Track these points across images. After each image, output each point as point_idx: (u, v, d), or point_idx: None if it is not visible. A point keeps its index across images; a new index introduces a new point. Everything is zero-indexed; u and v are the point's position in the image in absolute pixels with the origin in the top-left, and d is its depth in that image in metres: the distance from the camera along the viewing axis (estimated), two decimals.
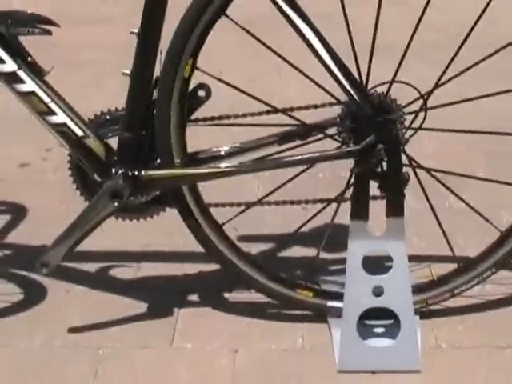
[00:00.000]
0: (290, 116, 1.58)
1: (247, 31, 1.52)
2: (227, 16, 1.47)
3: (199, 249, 1.70)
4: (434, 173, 1.64)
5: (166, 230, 2.03)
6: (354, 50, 1.52)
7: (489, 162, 2.44)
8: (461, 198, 1.68)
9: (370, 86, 1.53)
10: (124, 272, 1.97)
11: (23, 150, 2.73)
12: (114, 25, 4.82)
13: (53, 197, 2.40)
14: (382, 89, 1.53)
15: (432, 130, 1.58)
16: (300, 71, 1.57)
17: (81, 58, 3.82)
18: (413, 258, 1.67)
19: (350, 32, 1.51)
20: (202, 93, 1.55)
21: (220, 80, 1.56)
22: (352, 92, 1.48)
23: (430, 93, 1.55)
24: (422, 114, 1.55)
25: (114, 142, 1.62)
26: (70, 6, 5.45)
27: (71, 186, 1.66)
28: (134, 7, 5.32)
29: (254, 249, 1.97)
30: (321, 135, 1.58)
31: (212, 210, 1.64)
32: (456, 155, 2.45)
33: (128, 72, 1.52)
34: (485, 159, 2.46)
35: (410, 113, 1.55)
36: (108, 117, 1.60)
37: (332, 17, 1.77)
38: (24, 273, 1.97)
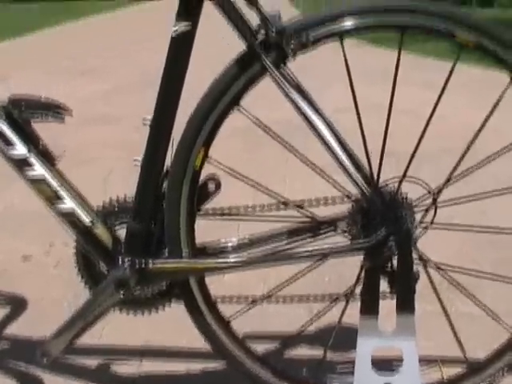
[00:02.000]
0: (300, 210, 1.57)
1: (258, 124, 1.51)
2: (239, 109, 1.47)
3: (203, 345, 1.66)
4: (448, 272, 1.61)
5: (170, 325, 2.01)
6: (365, 144, 1.52)
7: (497, 258, 2.44)
8: (474, 297, 1.65)
9: (381, 182, 1.52)
10: (126, 368, 1.93)
11: (27, 243, 2.75)
12: (121, 125, 4.93)
13: (53, 290, 2.39)
14: (393, 185, 1.52)
15: (443, 227, 1.56)
16: (310, 164, 1.56)
17: (87, 155, 3.89)
18: (421, 359, 1.63)
19: (361, 127, 1.51)
20: (211, 185, 1.53)
21: (231, 172, 1.55)
22: (363, 187, 1.47)
23: (440, 190, 1.54)
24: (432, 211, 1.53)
25: (121, 230, 1.61)
26: (77, 105, 5.58)
27: (72, 280, 1.64)
28: (139, 109, 5.47)
29: (260, 347, 1.93)
30: (331, 230, 1.56)
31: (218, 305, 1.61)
32: (463, 250, 2.44)
33: (139, 159, 1.51)
34: (493, 255, 2.45)
35: (421, 209, 1.54)
36: (117, 206, 1.58)
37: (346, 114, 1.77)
38: (23, 366, 1.93)
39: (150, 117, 1.50)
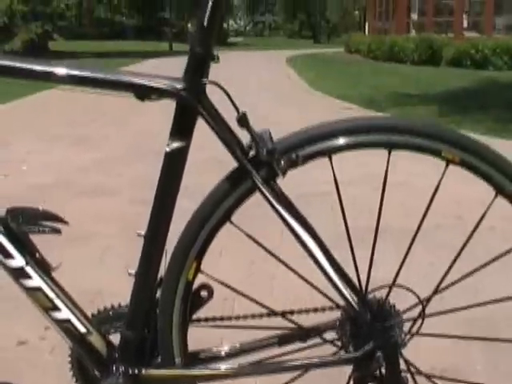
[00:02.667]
0: (289, 319, 1.61)
1: (249, 236, 1.57)
2: (232, 222, 1.52)
3: None
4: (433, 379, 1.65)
5: None
6: (352, 251, 1.56)
7: (486, 355, 2.45)
8: None
9: (369, 289, 1.55)
10: None
11: (22, 327, 2.76)
12: (117, 197, 4.97)
13: (49, 378, 2.40)
14: (381, 293, 1.56)
15: (431, 335, 1.60)
16: (298, 274, 1.60)
17: (84, 229, 3.92)
18: None
19: (348, 234, 1.56)
20: (204, 293, 1.58)
21: (223, 284, 1.59)
22: (350, 298, 1.51)
23: (428, 299, 1.58)
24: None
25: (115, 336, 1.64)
26: (74, 175, 5.64)
27: (67, 367, 1.66)
28: (136, 180, 5.55)
29: None
30: (319, 339, 1.59)
31: None
32: (453, 348, 2.46)
33: (133, 272, 1.56)
34: (482, 353, 2.46)
35: (409, 319, 1.57)
36: (111, 313, 1.62)
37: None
38: None
39: (143, 232, 1.55)
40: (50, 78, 1.49)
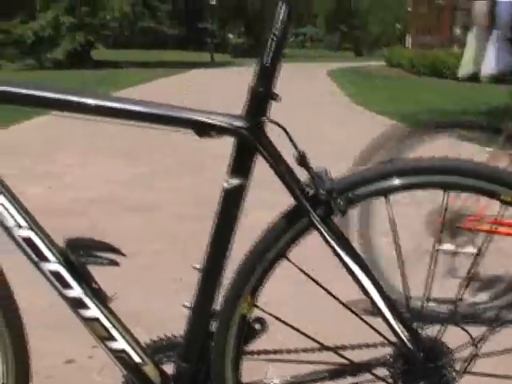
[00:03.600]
0: (340, 354, 1.62)
1: (304, 272, 1.59)
2: (288, 259, 1.54)
3: None
4: None
5: None
6: (405, 288, 1.57)
7: None
8: None
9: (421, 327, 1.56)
10: None
11: (70, 345, 2.78)
12: (162, 213, 5.01)
13: None
14: (433, 330, 1.56)
15: (484, 375, 1.60)
16: (350, 310, 1.62)
17: (130, 247, 3.95)
18: None
19: (403, 271, 1.57)
20: (258, 326, 1.60)
21: (277, 318, 1.61)
22: (402, 335, 1.52)
23: (481, 338, 1.58)
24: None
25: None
26: (119, 191, 5.70)
27: None
28: (179, 194, 5.57)
29: None
30: (371, 375, 1.60)
31: None
32: None
33: (188, 305, 1.58)
34: None
35: (461, 359, 1.57)
36: (165, 343, 1.64)
37: None
38: None
39: (198, 265, 1.57)
40: (105, 113, 1.52)
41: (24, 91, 1.53)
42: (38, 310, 2.95)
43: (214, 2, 45.63)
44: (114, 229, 4.49)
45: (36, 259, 1.56)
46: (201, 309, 1.58)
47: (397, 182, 1.49)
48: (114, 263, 1.58)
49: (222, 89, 18.88)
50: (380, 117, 11.47)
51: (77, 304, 1.58)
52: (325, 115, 11.26)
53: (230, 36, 58.07)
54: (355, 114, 12.37)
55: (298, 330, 1.63)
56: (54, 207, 4.77)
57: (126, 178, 6.24)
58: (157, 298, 3.29)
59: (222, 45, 51.74)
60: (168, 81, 22.15)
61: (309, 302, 3.15)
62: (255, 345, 1.62)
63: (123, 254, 1.59)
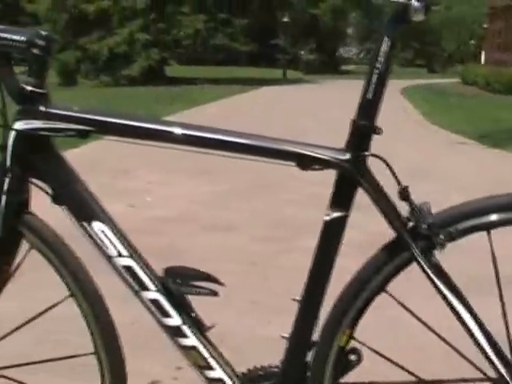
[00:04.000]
0: None
1: (403, 306, 1.58)
2: (387, 292, 1.53)
3: None
4: None
5: None
6: (507, 326, 1.55)
7: None
8: None
9: None
10: None
11: (153, 366, 2.80)
12: (239, 233, 5.03)
13: None
14: None
15: None
16: (449, 345, 1.60)
17: (207, 267, 3.96)
18: None
19: (504, 308, 1.54)
20: (354, 357, 1.59)
21: (376, 352, 1.60)
22: (503, 371, 1.50)
23: None
24: None
25: None
26: (198, 209, 5.74)
27: None
28: (257, 215, 5.58)
29: None
30: None
31: None
32: None
33: (286, 335, 1.58)
34: None
35: None
36: (261, 372, 1.64)
37: None
38: None
39: (298, 297, 1.57)
40: (206, 146, 1.54)
41: (121, 121, 1.56)
42: (121, 327, 2.98)
43: (286, 19, 45.83)
44: (193, 248, 4.53)
45: (136, 288, 1.58)
46: (299, 339, 1.58)
47: (497, 217, 1.47)
48: (213, 293, 1.59)
49: (295, 105, 18.94)
50: (455, 136, 11.37)
51: (175, 332, 1.60)
52: (399, 134, 11.17)
53: (302, 53, 58.23)
54: (430, 132, 12.27)
55: (396, 364, 1.62)
56: (134, 226, 4.83)
57: (205, 196, 6.30)
58: (236, 320, 3.30)
59: (293, 61, 51.89)
60: (242, 97, 22.31)
61: (402, 332, 3.12)
62: (349, 376, 1.62)
63: (221, 284, 1.60)
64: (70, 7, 32.82)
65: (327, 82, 35.62)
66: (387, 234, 1.52)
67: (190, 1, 34.34)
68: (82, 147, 8.52)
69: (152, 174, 7.30)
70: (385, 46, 1.46)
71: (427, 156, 9.10)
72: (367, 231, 4.16)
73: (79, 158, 7.63)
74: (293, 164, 1.50)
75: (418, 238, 1.47)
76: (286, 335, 1.59)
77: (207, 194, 6.40)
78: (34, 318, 1.70)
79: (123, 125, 1.55)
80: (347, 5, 53.13)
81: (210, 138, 1.54)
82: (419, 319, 1.58)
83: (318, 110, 16.74)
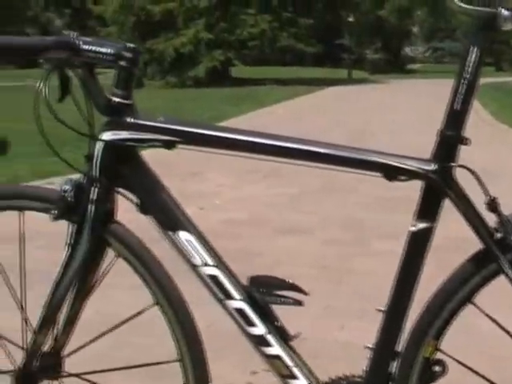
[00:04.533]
0: None
1: (492, 319, 1.56)
2: (474, 304, 1.52)
3: None
4: None
5: None
6: None
7: None
8: None
9: None
10: None
11: (228, 370, 2.81)
12: (310, 236, 5.02)
13: None
14: None
15: None
16: None
17: (279, 271, 3.96)
18: None
19: None
20: (438, 368, 1.58)
21: (462, 364, 1.59)
22: None
23: None
24: None
25: None
26: (269, 212, 5.76)
27: None
28: (328, 217, 5.55)
29: None
30: None
31: None
32: None
33: (370, 345, 1.58)
34: None
35: None
36: (345, 382, 1.64)
37: None
38: None
39: (382, 308, 1.57)
40: (290, 156, 1.54)
41: (208, 132, 1.58)
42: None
43: (351, 19, 45.58)
44: (265, 252, 4.54)
45: (221, 296, 1.59)
46: (383, 349, 1.57)
47: None
48: (298, 303, 1.59)
49: (362, 106, 18.84)
50: None
51: (260, 342, 1.60)
52: (467, 134, 11.00)
53: (367, 52, 57.83)
54: (499, 132, 12.08)
55: (482, 377, 1.60)
56: (205, 229, 4.84)
57: (275, 199, 6.30)
58: (310, 325, 3.30)
59: (358, 61, 51.53)
60: (308, 98, 22.26)
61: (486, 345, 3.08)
62: None
63: (305, 293, 1.60)
64: (137, 9, 33.18)
65: (393, 81, 35.27)
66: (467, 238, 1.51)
67: (254, 0, 34.40)
68: (149, 150, 8.61)
69: (221, 177, 7.32)
70: (472, 56, 1.44)
71: (497, 157, 8.96)
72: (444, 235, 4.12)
73: (147, 160, 7.65)
74: (378, 175, 1.50)
75: (506, 249, 1.45)
76: (370, 345, 1.59)
77: (278, 196, 6.40)
78: (118, 325, 1.73)
79: (210, 135, 1.57)
80: (413, 3, 52.60)
81: (296, 149, 1.54)
82: (507, 331, 1.56)
83: (385, 112, 16.60)
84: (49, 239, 3.70)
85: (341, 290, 3.79)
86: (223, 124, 13.08)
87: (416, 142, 5.55)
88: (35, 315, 1.72)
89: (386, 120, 14.40)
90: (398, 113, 16.00)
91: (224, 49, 32.53)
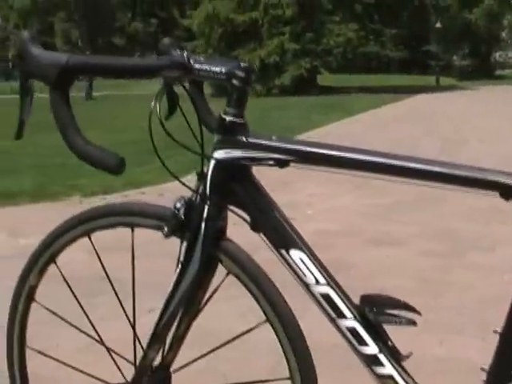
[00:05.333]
0: None
1: None
2: None
3: None
4: None
5: None
6: None
7: None
8: None
9: None
10: None
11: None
12: (405, 247, 4.97)
13: None
14: None
15: None
16: None
17: (375, 284, 3.94)
18: None
19: None
20: None
21: None
22: None
23: None
24: None
25: None
26: (362, 223, 5.72)
27: None
28: (423, 228, 5.47)
29: None
30: None
31: None
32: None
33: (485, 367, 1.55)
34: None
35: None
36: None
37: None
38: None
39: (498, 329, 1.54)
40: (407, 175, 1.52)
41: (322, 151, 1.57)
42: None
43: (439, 25, 45.06)
44: (359, 263, 4.51)
45: (333, 315, 1.58)
46: (499, 372, 1.54)
47: None
48: (411, 322, 1.58)
49: (452, 114, 18.57)
50: None
51: (372, 361, 1.59)
52: None
53: (455, 58, 57.08)
54: None
55: None
56: None
57: (368, 209, 6.26)
58: (410, 340, 3.25)
59: (446, 67, 50.91)
60: (396, 106, 22.09)
61: None
62: None
63: (418, 313, 1.58)
64: (223, 20, 33.53)
65: (482, 88, 34.73)
66: None
67: (340, 10, 34.36)
68: None
69: (312, 187, 7.31)
70: None
71: None
72: None
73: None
74: (495, 194, 1.46)
75: None
76: (485, 367, 1.55)
77: (370, 206, 6.36)
78: (230, 341, 1.73)
79: (323, 154, 1.56)
80: (503, 7, 51.65)
81: (410, 168, 1.51)
82: None
83: (476, 120, 16.35)
84: (144, 249, 3.75)
85: (439, 304, 3.73)
86: (312, 132, 13.12)
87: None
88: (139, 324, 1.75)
89: (477, 128, 14.19)
90: (489, 121, 15.74)
91: (310, 57, 32.58)
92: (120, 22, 61.36)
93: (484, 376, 1.56)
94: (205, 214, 1.62)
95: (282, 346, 1.65)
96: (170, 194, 6.92)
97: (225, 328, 2.57)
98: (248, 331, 1.70)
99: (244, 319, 3.23)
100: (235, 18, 33.16)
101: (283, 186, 7.33)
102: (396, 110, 20.47)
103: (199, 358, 1.78)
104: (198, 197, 1.63)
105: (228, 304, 3.14)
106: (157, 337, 1.70)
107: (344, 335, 1.59)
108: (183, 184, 1.65)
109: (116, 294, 1.80)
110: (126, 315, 1.80)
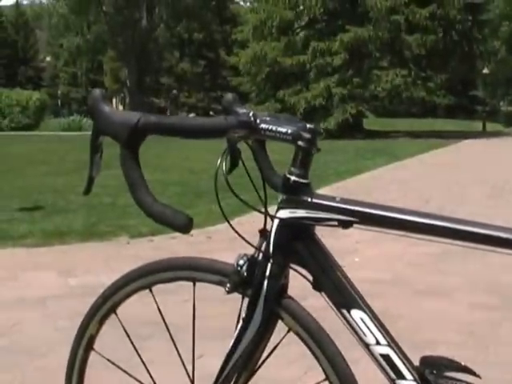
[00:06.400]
0: None
1: None
2: None
3: None
4: None
5: None
6: None
7: None
8: None
9: None
10: None
11: None
12: (454, 298, 4.93)
13: None
14: None
15: None
16: None
17: (423, 337, 3.90)
18: None
19: None
20: None
21: None
22: None
23: None
24: None
25: None
26: (409, 272, 5.69)
27: None
28: (473, 279, 5.42)
29: None
30: None
31: None
32: None
33: None
34: None
35: None
36: None
37: None
38: None
39: None
40: (474, 240, 1.52)
41: (387, 214, 1.59)
42: None
43: (486, 70, 44.91)
44: (407, 315, 4.49)
45: (393, 376, 1.59)
46: None
47: None
48: None
49: (497, 160, 18.45)
50: None
51: None
52: None
53: (501, 104, 56.74)
54: None
55: None
56: None
57: (416, 258, 6.21)
58: None
59: (492, 113, 50.62)
60: (443, 152, 21.99)
61: None
62: None
63: (478, 376, 1.58)
64: (270, 61, 33.81)
65: None
66: None
67: (389, 54, 34.45)
68: None
69: (359, 233, 7.26)
70: None
71: None
72: None
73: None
74: None
75: None
76: None
77: (418, 255, 6.31)
78: None
79: (387, 217, 1.58)
80: None
81: (476, 233, 1.50)
82: None
83: None
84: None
85: (490, 360, 3.69)
86: (360, 177, 13.12)
87: None
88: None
89: None
90: None
91: (356, 102, 32.66)
92: (168, 62, 62.16)
93: None
94: (267, 272, 1.64)
95: None
96: (217, 236, 6.97)
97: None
98: None
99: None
100: (282, 61, 33.44)
101: (330, 232, 7.31)
102: (443, 156, 20.39)
103: None
104: (261, 254, 1.65)
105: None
106: None
107: None
108: (248, 242, 1.67)
109: (172, 339, 1.83)
110: (182, 361, 1.81)
